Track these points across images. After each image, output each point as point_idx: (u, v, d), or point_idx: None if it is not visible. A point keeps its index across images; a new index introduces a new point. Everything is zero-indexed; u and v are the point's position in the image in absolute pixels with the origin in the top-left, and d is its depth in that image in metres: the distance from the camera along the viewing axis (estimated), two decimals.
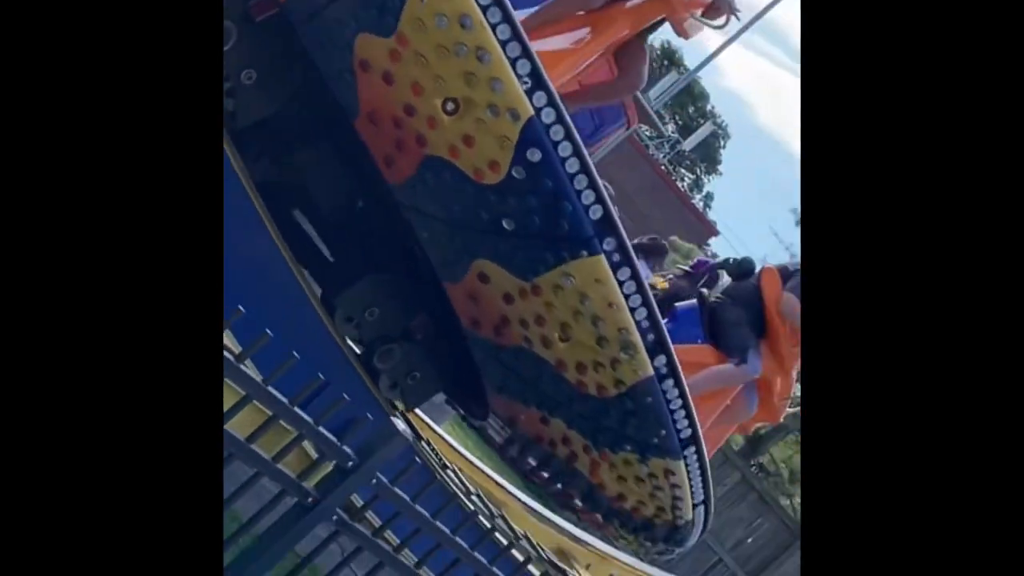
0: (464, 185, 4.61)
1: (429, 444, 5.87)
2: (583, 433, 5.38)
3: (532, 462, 6.02)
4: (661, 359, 4.91)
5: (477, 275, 4.91)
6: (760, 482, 18.12)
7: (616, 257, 4.66)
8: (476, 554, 3.44)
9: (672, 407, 5.10)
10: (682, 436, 5.21)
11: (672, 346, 5.05)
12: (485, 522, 4.24)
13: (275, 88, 5.07)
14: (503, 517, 7.39)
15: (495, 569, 3.52)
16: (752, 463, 20.82)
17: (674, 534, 5.69)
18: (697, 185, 45.39)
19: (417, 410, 5.80)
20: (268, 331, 2.70)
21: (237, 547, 2.94)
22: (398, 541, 3.32)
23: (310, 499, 2.93)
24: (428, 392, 5.82)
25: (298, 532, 2.93)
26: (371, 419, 3.08)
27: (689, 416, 5.19)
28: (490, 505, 7.18)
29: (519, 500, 8.43)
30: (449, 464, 6.96)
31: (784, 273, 6.64)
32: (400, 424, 3.03)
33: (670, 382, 5.01)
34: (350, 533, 3.13)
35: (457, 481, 6.47)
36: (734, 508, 16.46)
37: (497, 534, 3.51)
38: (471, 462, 8.07)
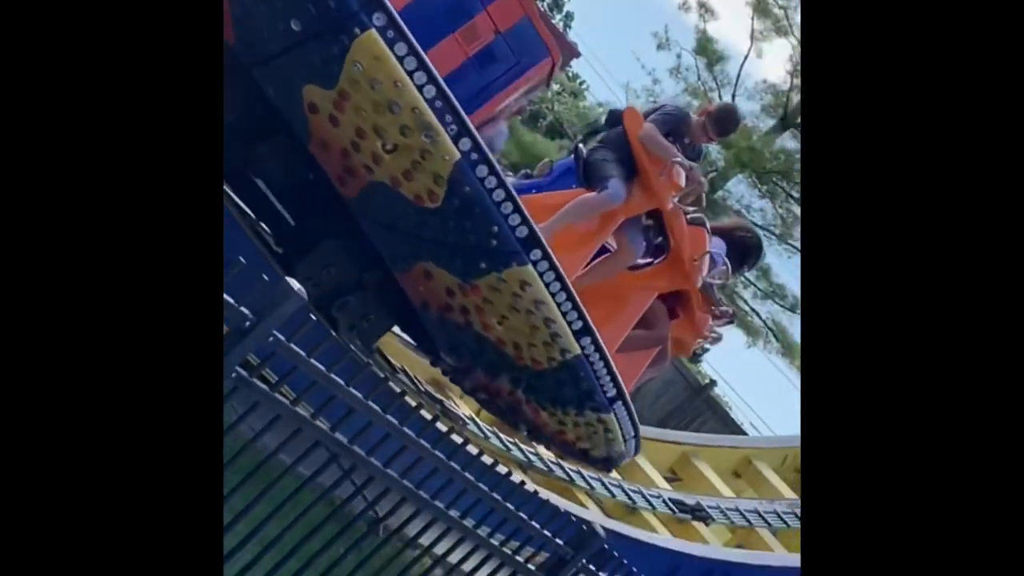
0: (258, 5, 4.87)
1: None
2: (447, 267, 5.55)
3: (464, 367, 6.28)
4: (466, 143, 5.07)
5: (308, 107, 5.07)
6: None
7: (390, 33, 4.82)
8: (370, 403, 3.53)
9: (496, 198, 5.25)
10: (518, 234, 5.39)
11: (477, 130, 5.22)
12: (378, 372, 4.34)
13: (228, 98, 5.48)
14: (380, 351, 7.53)
15: (389, 416, 3.63)
16: None
17: (576, 381, 5.87)
18: (557, 5, 44.94)
19: None
20: None
21: None
22: (294, 396, 3.39)
23: None
24: (381, 330, 6.41)
25: None
26: (266, 279, 3.11)
27: (519, 212, 5.35)
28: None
29: (394, 334, 8.55)
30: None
31: (647, 112, 6.75)
32: (295, 284, 3.06)
33: (483, 168, 5.17)
34: (248, 389, 3.18)
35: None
36: None
37: (391, 384, 3.61)
38: None
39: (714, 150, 20.27)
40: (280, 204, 6.01)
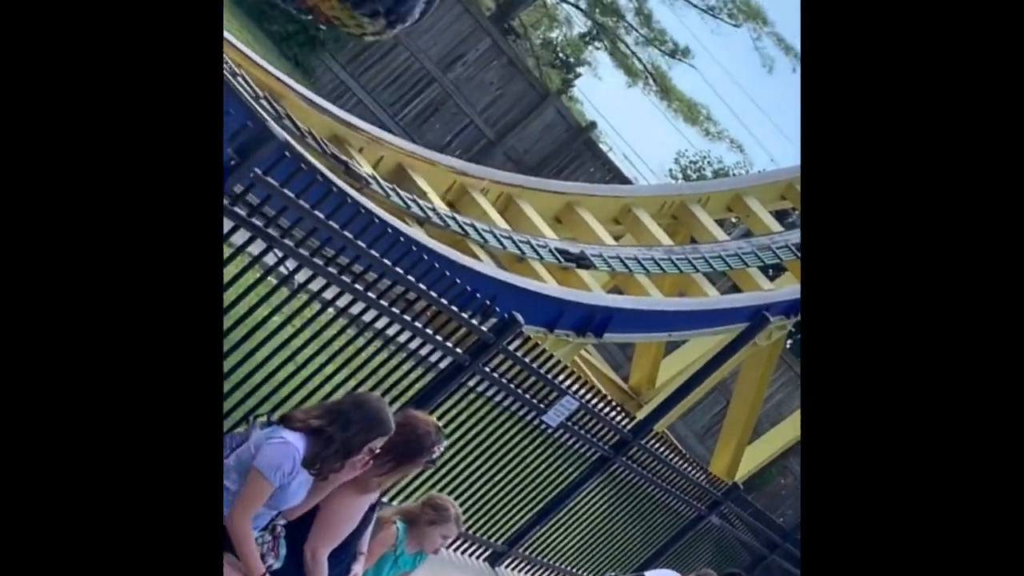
0: None
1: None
2: None
3: None
4: None
5: None
6: (510, 47, 18.06)
7: None
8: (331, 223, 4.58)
9: None
10: None
11: None
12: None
13: None
14: (289, 117, 7.21)
15: (345, 232, 4.68)
16: (503, 26, 20.70)
17: None
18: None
19: None
20: None
21: None
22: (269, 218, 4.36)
23: None
24: None
25: None
26: (250, 126, 3.79)
27: None
28: (277, 106, 6.99)
29: (294, 91, 8.22)
30: (239, 72, 6.67)
31: None
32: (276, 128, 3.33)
33: None
34: (228, 216, 4.16)
35: (246, 86, 6.25)
36: (484, 72, 16.43)
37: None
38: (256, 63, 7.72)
39: None
40: None
